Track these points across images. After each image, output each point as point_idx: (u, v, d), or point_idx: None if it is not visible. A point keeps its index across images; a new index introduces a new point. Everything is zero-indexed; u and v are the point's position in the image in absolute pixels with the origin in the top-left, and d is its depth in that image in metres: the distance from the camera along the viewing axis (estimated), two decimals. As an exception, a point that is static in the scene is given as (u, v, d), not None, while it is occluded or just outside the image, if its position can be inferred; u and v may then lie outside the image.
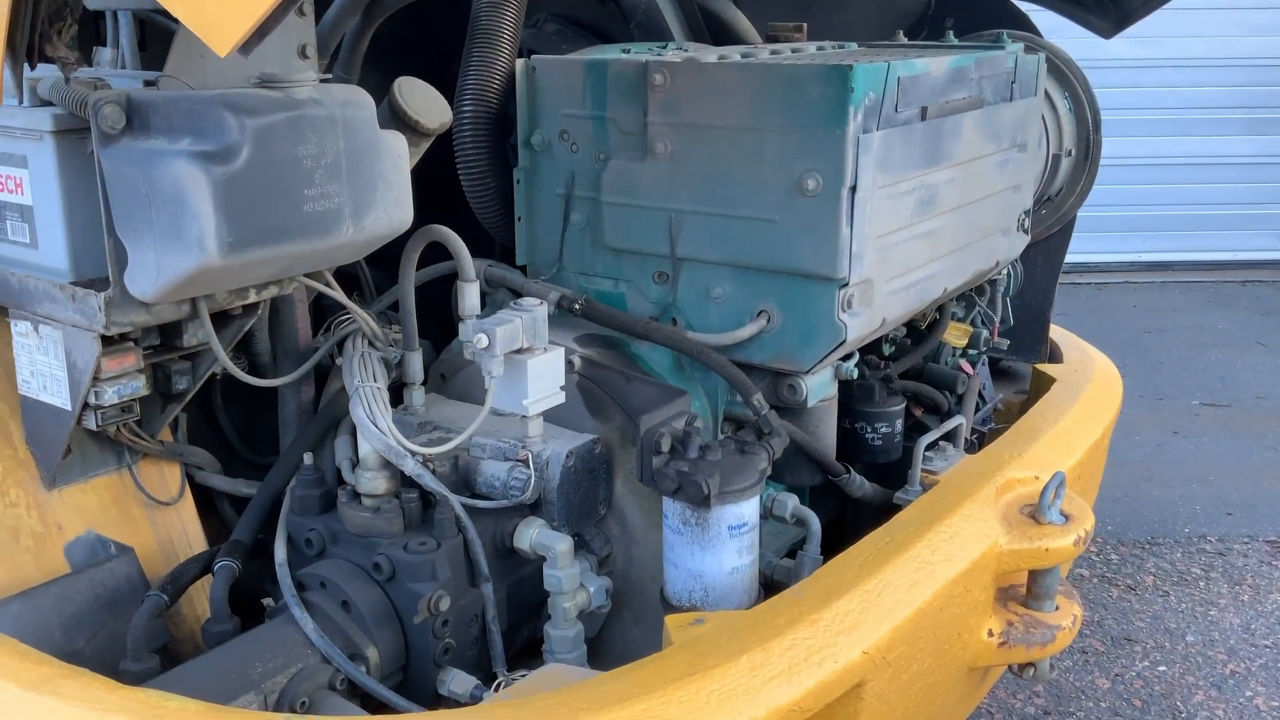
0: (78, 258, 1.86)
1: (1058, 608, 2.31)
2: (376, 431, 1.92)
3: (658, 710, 1.52)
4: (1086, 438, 2.74)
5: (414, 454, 1.93)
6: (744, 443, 2.01)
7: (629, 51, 2.68)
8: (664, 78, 2.14)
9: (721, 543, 1.94)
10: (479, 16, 2.53)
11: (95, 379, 1.87)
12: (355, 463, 2.20)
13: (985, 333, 2.96)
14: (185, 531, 2.17)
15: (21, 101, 1.78)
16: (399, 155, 1.92)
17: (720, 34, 3.05)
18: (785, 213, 2.07)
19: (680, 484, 1.91)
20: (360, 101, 1.86)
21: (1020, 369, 3.33)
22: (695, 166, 2.16)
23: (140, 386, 1.94)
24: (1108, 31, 3.44)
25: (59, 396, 1.92)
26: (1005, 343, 3.02)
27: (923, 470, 2.34)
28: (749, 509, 1.95)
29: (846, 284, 2.08)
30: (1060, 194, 3.10)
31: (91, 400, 1.90)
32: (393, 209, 1.92)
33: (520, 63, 2.37)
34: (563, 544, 1.98)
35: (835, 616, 1.79)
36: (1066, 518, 2.29)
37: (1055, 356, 3.27)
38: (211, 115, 1.67)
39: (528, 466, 2.00)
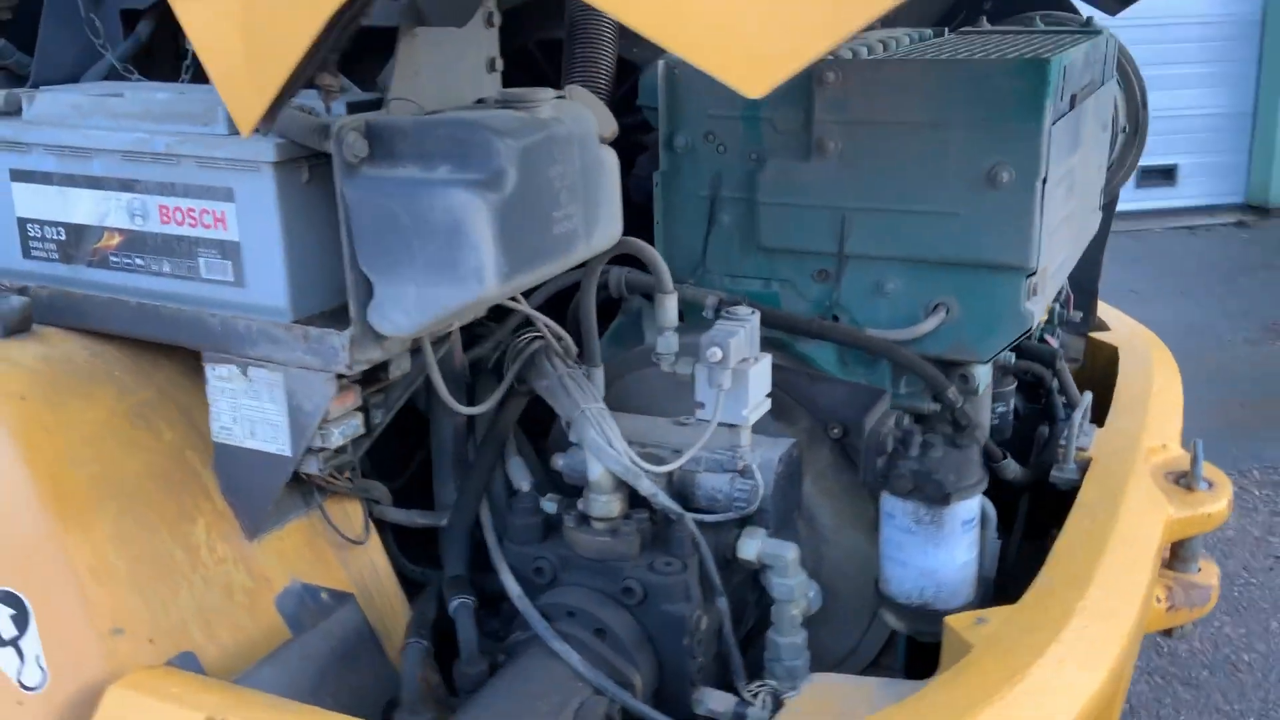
0: (296, 295, 1.74)
1: (1200, 569, 2.43)
2: (613, 453, 1.87)
3: (1010, 713, 1.54)
4: (1178, 401, 2.87)
5: (649, 474, 1.89)
6: (951, 437, 2.04)
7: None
8: (836, 75, 2.13)
9: (955, 539, 1.97)
10: (577, 21, 2.47)
11: (324, 421, 1.76)
12: (528, 485, 2.15)
13: (1059, 306, 3.05)
14: (376, 570, 2.07)
15: (256, 131, 1.65)
16: (614, 168, 1.86)
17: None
18: (971, 206, 2.09)
19: (917, 483, 1.92)
20: (587, 116, 1.79)
21: (1064, 338, 3.46)
22: (868, 163, 2.16)
23: (359, 425, 1.84)
24: (1113, 7, 3.57)
25: (275, 442, 1.80)
26: (1079, 315, 3.12)
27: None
28: (976, 503, 1.98)
29: (1034, 273, 2.12)
30: (1111, 169, 3.21)
31: (317, 444, 1.79)
32: (611, 224, 1.87)
33: (660, 64, 2.33)
34: (791, 552, 1.97)
35: (1094, 604, 1.83)
36: (1209, 483, 2.41)
37: (1101, 325, 3.41)
38: (477, 140, 1.59)
39: (747, 477, 1.98)
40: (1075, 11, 3.25)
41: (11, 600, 1.58)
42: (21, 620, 1.57)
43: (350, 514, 2.06)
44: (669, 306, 2.03)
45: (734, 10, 1.08)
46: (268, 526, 1.89)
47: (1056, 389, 2.75)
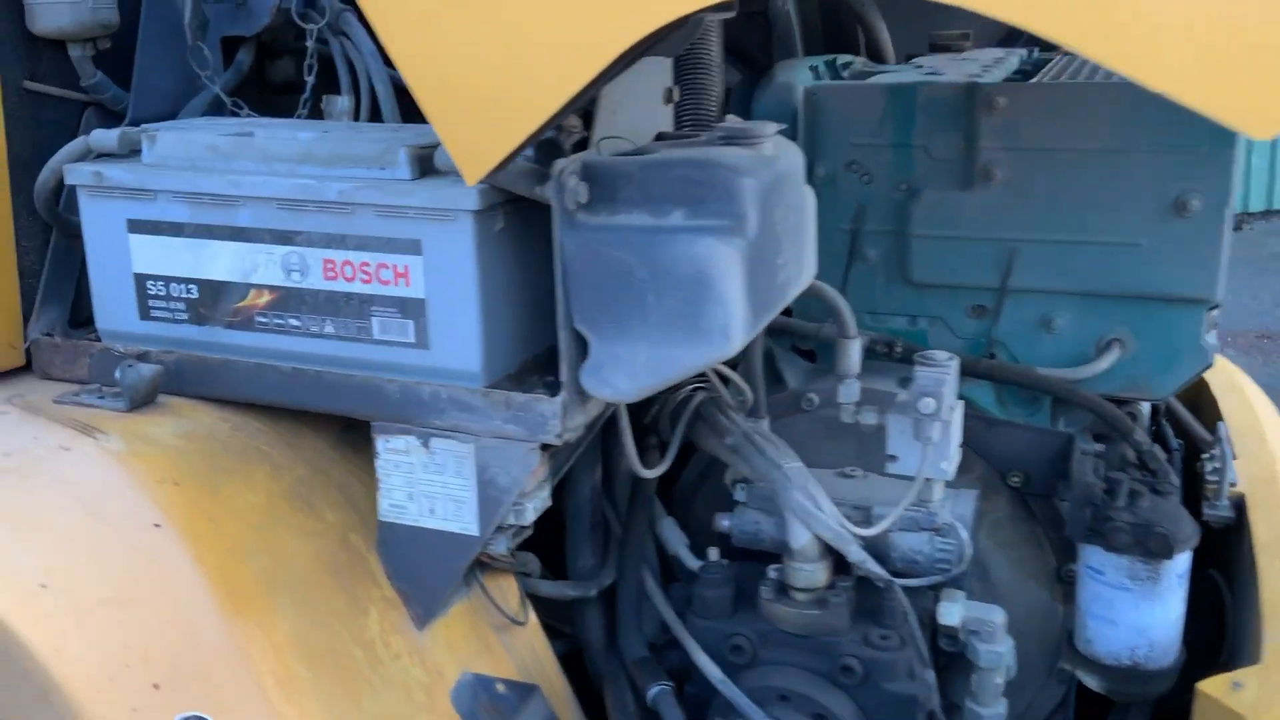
0: (489, 357, 1.55)
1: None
2: (824, 517, 1.71)
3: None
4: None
5: (859, 538, 1.73)
6: (1150, 482, 1.92)
7: (818, 70, 2.53)
8: (1007, 100, 2.00)
9: (1171, 594, 1.84)
10: (688, 49, 2.31)
11: (521, 495, 1.57)
12: (684, 550, 1.99)
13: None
14: (535, 652, 1.87)
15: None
16: (814, 207, 1.71)
17: (850, 43, 2.92)
18: (1155, 235, 1.97)
19: (1138, 537, 1.79)
20: (797, 152, 1.64)
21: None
22: (1040, 192, 2.03)
23: (548, 498, 1.65)
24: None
25: (459, 521, 1.60)
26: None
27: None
28: (1189, 554, 1.86)
29: (1216, 305, 2.01)
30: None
31: (509, 521, 1.59)
32: (812, 265, 1.72)
33: (801, 91, 2.18)
34: (999, 616, 1.83)
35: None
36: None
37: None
38: (716, 181, 1.42)
39: (945, 535, 1.83)
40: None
41: (203, 726, 1.36)
42: (215, 748, 1.36)
43: (505, 590, 1.86)
44: (852, 352, 1.87)
45: (1230, 45, 0.93)
46: (436, 614, 1.69)
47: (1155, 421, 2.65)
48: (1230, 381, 3.00)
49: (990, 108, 2.02)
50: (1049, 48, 2.99)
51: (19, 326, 1.79)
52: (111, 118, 1.88)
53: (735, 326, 1.41)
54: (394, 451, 1.61)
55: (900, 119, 2.11)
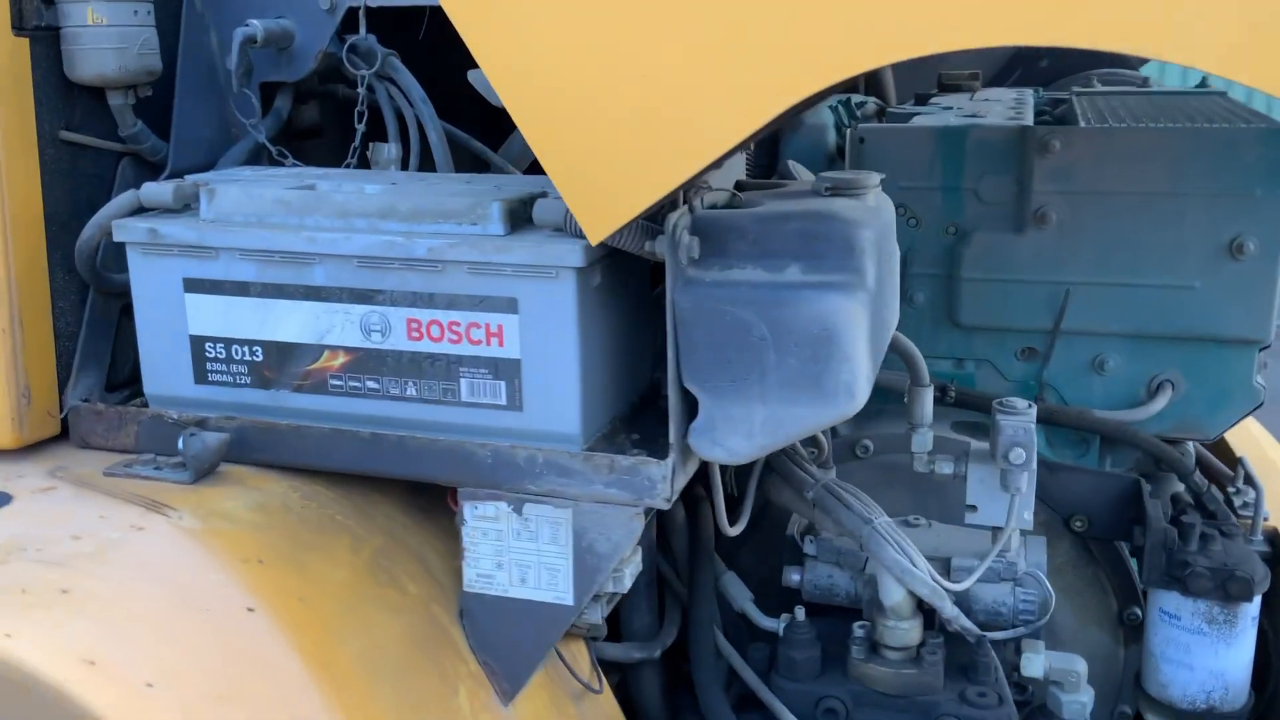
0: (588, 418, 1.49)
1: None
2: (919, 574, 1.66)
3: None
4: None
5: (950, 593, 1.69)
6: (1217, 525, 1.92)
7: (836, 110, 2.52)
8: (1062, 143, 2.00)
9: (1246, 636, 1.84)
10: None
11: (621, 561, 1.50)
12: (749, 604, 1.94)
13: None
14: (603, 713, 1.80)
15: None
16: (898, 256, 1.68)
17: (851, 81, 2.92)
18: (1209, 277, 1.99)
19: (1218, 581, 1.79)
20: (889, 202, 1.61)
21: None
22: (1094, 235, 2.03)
23: (641, 560, 1.58)
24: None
25: (554, 590, 1.52)
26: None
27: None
28: (1260, 597, 1.86)
29: (1267, 345, 2.03)
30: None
31: (609, 588, 1.52)
32: (897, 315, 1.68)
33: (848, 133, 2.16)
34: (1081, 666, 1.81)
35: None
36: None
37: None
38: (834, 235, 1.38)
39: (1025, 586, 1.81)
40: (1136, 71, 3.24)
41: (318, 828, 1.26)
42: None
43: (577, 656, 1.78)
44: (925, 401, 1.84)
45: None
46: (521, 686, 1.61)
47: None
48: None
49: (1046, 151, 2.02)
50: (1045, 85, 3.03)
51: (55, 393, 1.67)
52: (147, 169, 1.78)
53: (860, 384, 1.37)
54: (483, 518, 1.53)
55: (950, 162, 2.10)
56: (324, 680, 1.34)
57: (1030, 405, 1.80)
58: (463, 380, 1.50)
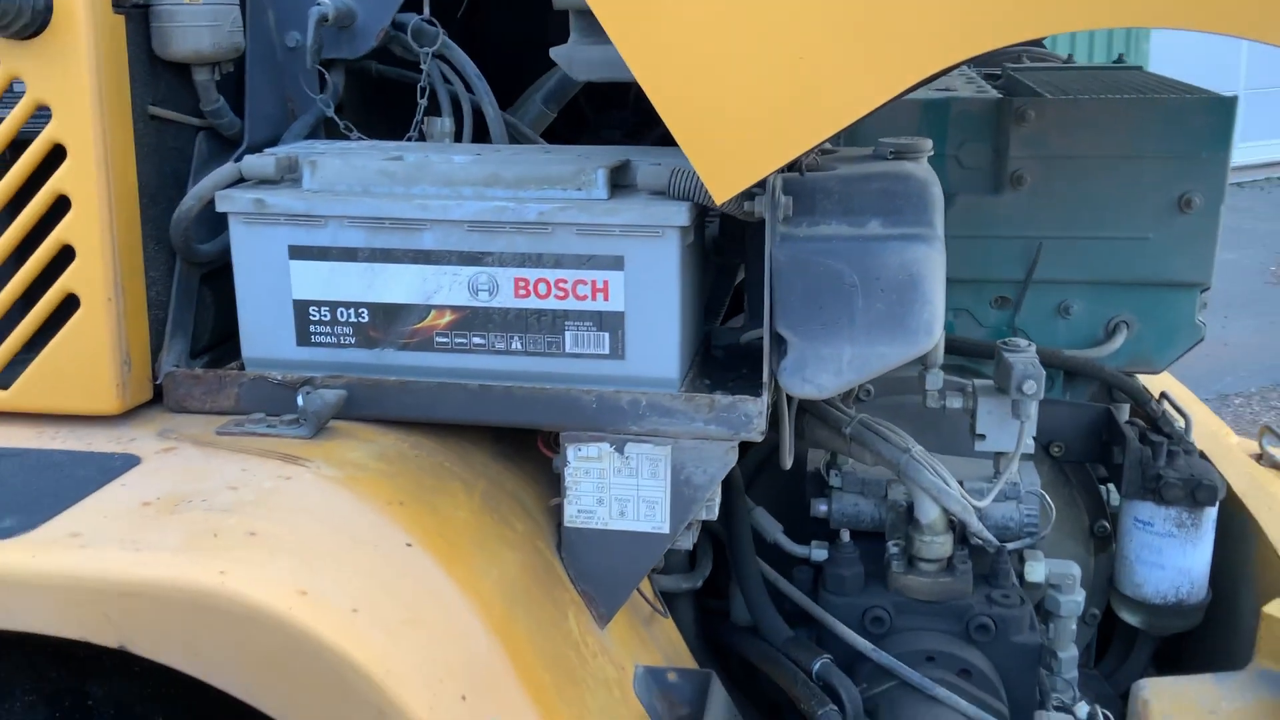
0: (683, 363, 1.65)
1: None
2: (953, 493, 1.89)
3: None
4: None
5: (978, 509, 1.93)
6: (1175, 443, 2.21)
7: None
8: (1036, 113, 2.26)
9: (1209, 538, 2.14)
10: None
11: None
12: (781, 535, 2.14)
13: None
14: (673, 643, 1.98)
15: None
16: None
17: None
18: (1162, 229, 2.28)
19: (1188, 489, 2.07)
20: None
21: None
22: (1063, 194, 2.30)
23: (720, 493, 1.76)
24: None
25: (652, 520, 1.69)
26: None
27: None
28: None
29: (1208, 288, 2.33)
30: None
31: (701, 516, 1.70)
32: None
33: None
34: (1075, 569, 2.07)
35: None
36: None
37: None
38: (912, 193, 1.58)
39: (1026, 503, 2.06)
40: (1049, 51, 3.55)
41: (500, 732, 1.40)
42: (510, 753, 1.40)
43: (642, 586, 1.95)
44: (938, 346, 2.06)
45: None
46: (615, 611, 1.77)
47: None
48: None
49: (1021, 120, 2.27)
50: (977, 63, 3.30)
51: (149, 360, 1.74)
52: (222, 143, 1.85)
53: (937, 322, 1.58)
54: (585, 459, 1.68)
55: (934, 131, 2.33)
56: (478, 606, 1.47)
57: (1030, 344, 2.05)
58: (568, 333, 1.65)
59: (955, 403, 2.07)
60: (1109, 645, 2.49)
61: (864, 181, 1.58)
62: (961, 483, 2.04)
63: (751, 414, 1.62)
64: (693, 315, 1.70)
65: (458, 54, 1.96)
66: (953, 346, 2.33)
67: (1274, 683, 1.84)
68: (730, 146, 1.41)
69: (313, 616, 1.27)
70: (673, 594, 2.14)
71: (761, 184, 1.54)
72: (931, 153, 1.74)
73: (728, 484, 2.16)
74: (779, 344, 1.62)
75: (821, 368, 1.60)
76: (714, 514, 1.71)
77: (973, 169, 2.33)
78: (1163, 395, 2.49)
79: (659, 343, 1.63)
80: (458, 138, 1.98)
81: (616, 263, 1.61)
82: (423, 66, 1.91)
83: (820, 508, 2.11)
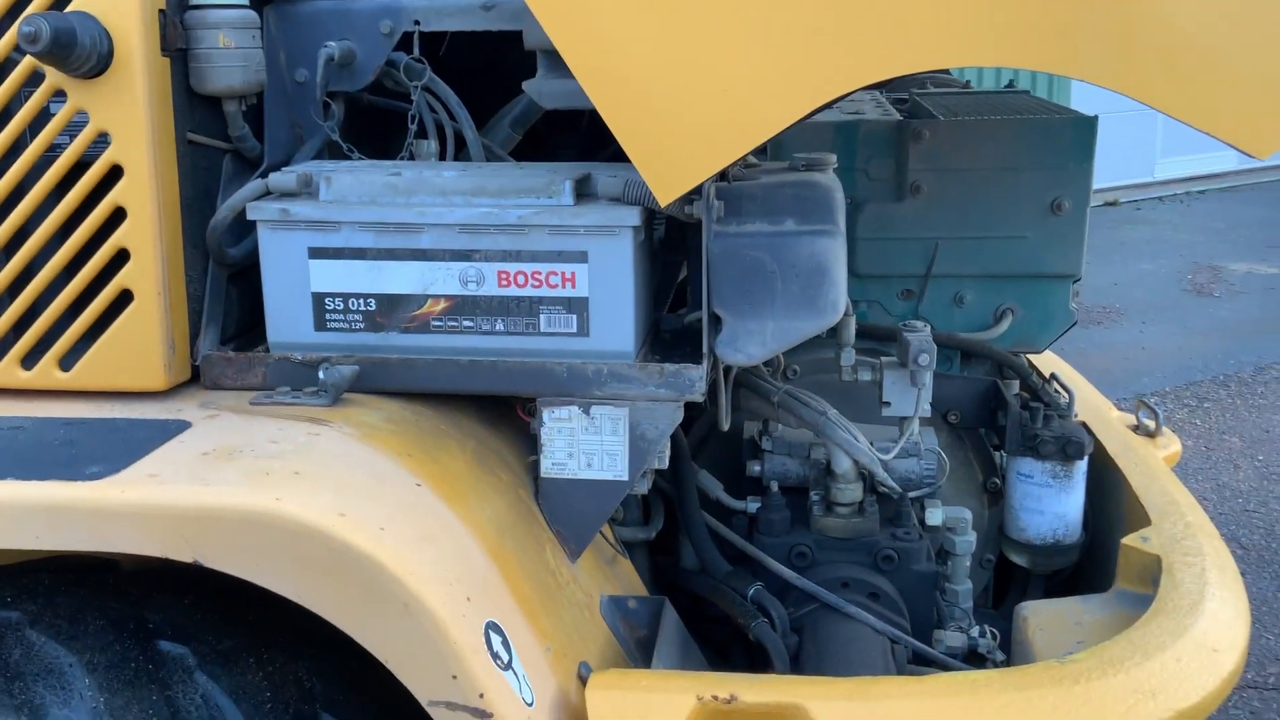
0: (638, 338, 2.02)
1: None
2: (862, 447, 2.28)
3: (1225, 596, 2.12)
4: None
5: (883, 461, 2.31)
6: (1051, 409, 2.62)
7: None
8: (930, 132, 2.66)
9: (1079, 488, 2.54)
10: None
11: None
12: (721, 492, 2.51)
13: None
14: (629, 578, 2.34)
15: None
16: (836, 216, 2.28)
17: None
18: (1037, 230, 2.69)
19: (1059, 445, 2.48)
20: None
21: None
22: (954, 201, 2.71)
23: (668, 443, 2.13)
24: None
25: (614, 470, 2.05)
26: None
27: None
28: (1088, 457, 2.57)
29: (1079, 279, 2.75)
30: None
31: (654, 465, 2.06)
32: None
33: (767, 126, 2.75)
34: (967, 514, 2.47)
35: (1198, 517, 2.46)
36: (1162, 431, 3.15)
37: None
38: (819, 198, 1.97)
39: (925, 459, 2.45)
40: (953, 77, 3.99)
41: (498, 629, 1.75)
42: (506, 646, 1.75)
43: (604, 532, 2.31)
44: (850, 326, 2.45)
45: (1237, 81, 1.54)
46: (583, 548, 2.12)
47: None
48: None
49: (918, 138, 2.67)
50: (886, 88, 3.72)
51: (188, 345, 2.07)
52: (244, 163, 2.19)
53: (842, 300, 1.96)
54: (558, 420, 2.04)
55: (845, 148, 2.73)
56: (476, 533, 1.83)
57: (925, 325, 2.45)
58: (542, 315, 2.01)
59: (865, 375, 2.46)
60: (1009, 591, 2.89)
61: (781, 188, 1.97)
62: (871, 442, 2.43)
63: (694, 378, 1.99)
64: (645, 301, 2.07)
65: (441, 87, 2.32)
66: (865, 331, 2.72)
67: (1129, 600, 2.24)
68: (672, 158, 1.78)
69: (351, 532, 1.62)
70: (631, 544, 2.50)
71: (698, 190, 1.92)
72: (835, 165, 2.12)
73: (676, 450, 2.53)
74: (716, 322, 1.99)
75: (750, 340, 1.98)
76: (664, 463, 2.08)
77: (878, 180, 2.73)
78: (1052, 376, 2.91)
79: (617, 322, 2.00)
80: (441, 157, 2.34)
81: (581, 257, 1.97)
82: (413, 98, 2.27)
83: (755, 468, 2.49)
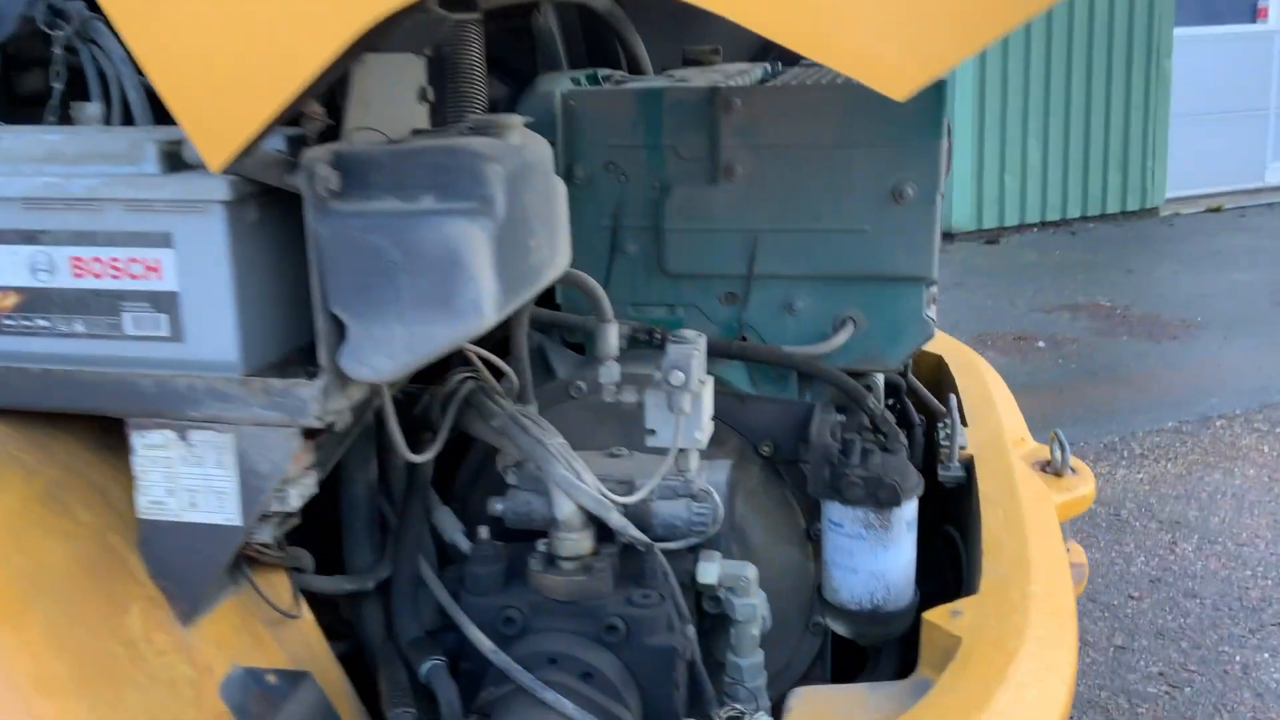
0: (247, 346, 1.58)
1: (1071, 549, 2.63)
2: (584, 488, 1.81)
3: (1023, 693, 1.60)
4: (1013, 401, 3.10)
5: (621, 506, 1.84)
6: (880, 443, 2.11)
7: (580, 82, 2.66)
8: (741, 101, 2.18)
9: (901, 540, 2.03)
10: (449, 56, 2.41)
11: (283, 482, 1.60)
12: (459, 536, 2.06)
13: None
14: (309, 646, 1.89)
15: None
16: (565, 197, 1.81)
17: (612, 58, 3.08)
18: (877, 222, 2.18)
19: (869, 490, 1.97)
20: (545, 144, 1.74)
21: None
22: (776, 186, 2.21)
23: (314, 484, 1.68)
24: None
25: (221, 512, 1.62)
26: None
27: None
28: (915, 503, 2.06)
29: (934, 282, 2.23)
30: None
31: (274, 508, 1.62)
32: (566, 252, 1.81)
33: (556, 97, 2.29)
34: (751, 571, 1.97)
35: (1043, 588, 1.94)
36: (1074, 469, 2.61)
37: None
38: (463, 166, 1.50)
39: (702, 501, 1.97)
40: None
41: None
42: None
43: (276, 586, 1.87)
44: (610, 336, 1.99)
45: (877, 19, 1.09)
46: (202, 609, 1.69)
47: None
48: (968, 362, 3.31)
49: (729, 109, 2.19)
50: (794, 61, 3.23)
51: None
52: None
53: (486, 301, 1.49)
54: (151, 447, 1.61)
55: (650, 122, 2.26)
56: (-27, 593, 1.41)
57: (700, 336, 1.96)
58: (125, 314, 1.58)
59: (630, 397, 1.99)
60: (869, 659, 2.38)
61: (415, 155, 1.51)
62: (633, 482, 1.96)
63: (306, 398, 1.54)
64: (268, 299, 1.62)
65: (104, 36, 1.91)
66: (740, 354, 2.25)
67: (924, 689, 1.74)
68: (212, 108, 1.35)
69: None
70: (357, 596, 2.06)
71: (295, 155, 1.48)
72: (519, 127, 1.66)
73: (410, 481, 2.08)
74: (341, 328, 1.55)
75: (376, 350, 1.52)
76: (290, 505, 1.64)
77: (690, 160, 2.25)
78: (907, 391, 2.40)
79: (216, 324, 1.56)
80: (107, 121, 1.94)
81: (165, 239, 1.54)
82: (54, 49, 1.87)
83: (496, 506, 2.03)
